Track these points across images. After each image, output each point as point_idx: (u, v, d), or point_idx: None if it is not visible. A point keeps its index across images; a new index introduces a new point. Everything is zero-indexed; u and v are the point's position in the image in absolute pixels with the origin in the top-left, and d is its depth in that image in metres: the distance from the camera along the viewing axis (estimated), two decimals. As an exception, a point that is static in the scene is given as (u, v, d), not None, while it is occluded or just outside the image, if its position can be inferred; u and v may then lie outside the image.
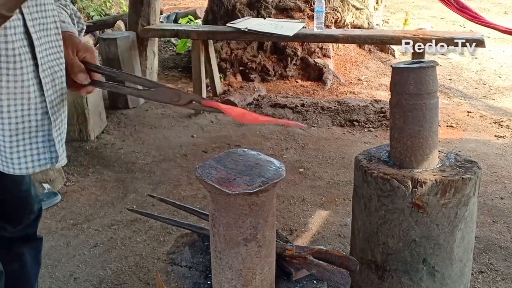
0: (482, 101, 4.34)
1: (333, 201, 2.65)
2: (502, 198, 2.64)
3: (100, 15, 6.85)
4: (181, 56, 5.57)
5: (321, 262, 1.04)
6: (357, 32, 3.99)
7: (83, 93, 1.14)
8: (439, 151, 1.52)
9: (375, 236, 1.48)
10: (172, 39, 5.82)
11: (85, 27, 1.23)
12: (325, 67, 4.76)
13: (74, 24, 1.18)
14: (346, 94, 4.50)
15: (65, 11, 1.17)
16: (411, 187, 1.37)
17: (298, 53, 4.78)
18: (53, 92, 1.06)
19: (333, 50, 5.08)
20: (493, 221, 2.41)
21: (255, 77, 4.74)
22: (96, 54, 1.13)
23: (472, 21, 3.79)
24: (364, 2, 5.29)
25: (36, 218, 1.37)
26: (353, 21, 5.22)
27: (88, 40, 5.57)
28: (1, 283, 1.17)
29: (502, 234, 2.29)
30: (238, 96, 4.22)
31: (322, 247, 1.09)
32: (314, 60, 4.80)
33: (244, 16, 4.58)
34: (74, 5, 1.23)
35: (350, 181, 2.77)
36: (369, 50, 5.39)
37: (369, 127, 3.71)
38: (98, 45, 4.19)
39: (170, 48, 5.89)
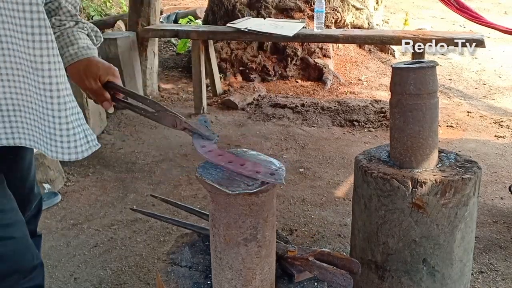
0: (482, 101, 4.35)
1: (333, 201, 2.65)
2: (502, 198, 2.64)
3: (100, 15, 6.85)
4: (181, 56, 5.57)
5: (323, 264, 1.04)
6: (357, 32, 3.99)
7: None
8: (439, 151, 1.51)
9: (375, 236, 1.48)
10: (172, 39, 5.82)
11: (102, 39, 1.28)
12: (325, 67, 4.76)
13: (93, 41, 1.23)
14: (346, 94, 4.51)
15: (83, 32, 1.20)
16: (411, 187, 1.37)
17: (298, 53, 4.79)
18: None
19: (333, 50, 5.08)
20: (493, 221, 2.41)
21: (255, 77, 4.74)
22: (117, 72, 1.19)
23: (472, 21, 3.79)
24: (364, 2, 5.29)
25: (35, 215, 1.38)
26: (353, 21, 5.22)
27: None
28: (42, 274, 1.20)
29: (502, 234, 2.29)
30: (238, 96, 4.23)
31: (324, 249, 1.09)
32: (314, 60, 4.80)
33: (244, 16, 4.58)
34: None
35: (350, 181, 2.77)
36: (369, 50, 5.39)
37: (369, 127, 3.71)
38: (98, 45, 4.18)
39: (170, 48, 5.89)
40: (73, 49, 1.14)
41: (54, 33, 1.14)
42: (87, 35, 1.21)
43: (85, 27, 1.21)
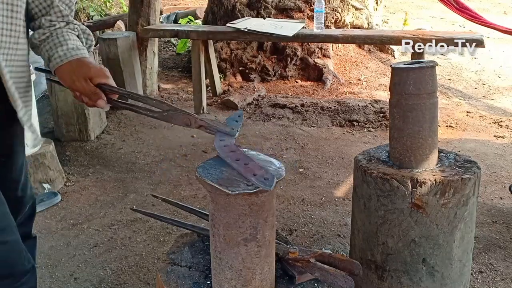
0: (481, 101, 4.35)
1: (333, 201, 2.65)
2: (501, 198, 2.64)
3: (100, 15, 6.86)
4: (181, 56, 5.57)
5: (324, 265, 1.04)
6: (356, 32, 3.99)
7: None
8: (438, 151, 1.52)
9: (375, 236, 1.48)
10: (172, 39, 5.82)
11: (93, 43, 1.25)
12: (325, 67, 4.77)
13: (83, 43, 1.19)
14: (345, 94, 4.51)
15: (73, 33, 1.17)
16: (410, 187, 1.37)
17: (298, 53, 4.79)
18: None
19: (332, 50, 5.09)
20: (493, 221, 2.41)
21: (255, 77, 4.74)
22: (108, 73, 1.15)
23: (472, 21, 3.79)
24: (364, 2, 5.29)
25: (29, 217, 1.37)
26: (353, 21, 5.22)
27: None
28: (34, 277, 1.19)
29: (502, 234, 2.30)
30: (238, 96, 4.23)
31: (327, 251, 1.09)
32: (314, 60, 4.80)
33: (244, 16, 4.58)
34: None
35: (350, 181, 2.77)
36: (369, 50, 5.39)
37: (369, 127, 3.71)
38: (98, 45, 4.19)
39: (170, 48, 5.90)
40: (62, 50, 1.11)
41: (43, 34, 1.12)
42: (77, 36, 1.18)
43: (76, 28, 1.18)
